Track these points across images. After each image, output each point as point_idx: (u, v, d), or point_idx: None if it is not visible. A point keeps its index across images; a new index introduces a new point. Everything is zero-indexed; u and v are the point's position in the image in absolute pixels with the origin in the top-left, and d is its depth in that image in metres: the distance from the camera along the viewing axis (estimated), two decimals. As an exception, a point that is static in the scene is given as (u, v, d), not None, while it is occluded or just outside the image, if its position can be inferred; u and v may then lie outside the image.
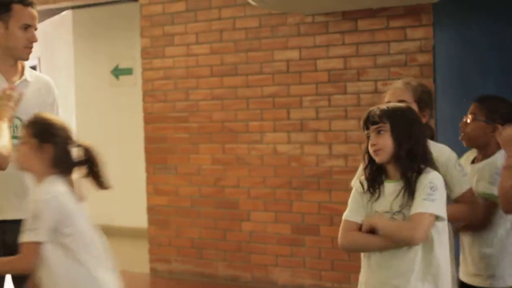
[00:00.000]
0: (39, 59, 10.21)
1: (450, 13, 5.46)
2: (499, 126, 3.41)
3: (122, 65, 9.16)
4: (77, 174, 3.03)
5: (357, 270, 6.31)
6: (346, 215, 3.02)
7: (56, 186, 2.90)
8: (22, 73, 3.56)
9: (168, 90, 6.80)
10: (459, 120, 5.55)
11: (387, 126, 2.90)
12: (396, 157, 2.90)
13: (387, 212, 2.91)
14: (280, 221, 6.25)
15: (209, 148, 6.59)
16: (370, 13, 5.76)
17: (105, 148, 10.86)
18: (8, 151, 3.05)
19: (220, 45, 6.51)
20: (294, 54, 6.14)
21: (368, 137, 2.96)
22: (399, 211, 2.87)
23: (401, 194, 2.88)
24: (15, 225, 3.11)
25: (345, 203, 6.56)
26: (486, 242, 3.43)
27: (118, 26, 9.06)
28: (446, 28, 5.50)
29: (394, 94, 3.42)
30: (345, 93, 5.93)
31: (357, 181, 3.07)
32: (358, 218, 2.97)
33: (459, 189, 3.28)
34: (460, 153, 5.60)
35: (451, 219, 3.06)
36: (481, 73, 5.35)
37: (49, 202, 2.85)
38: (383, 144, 2.90)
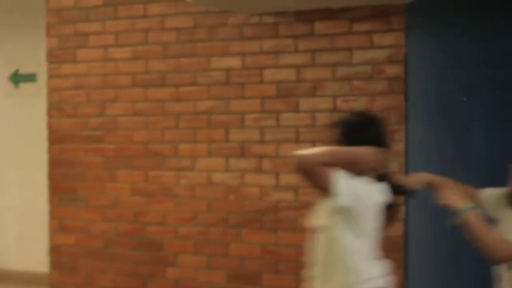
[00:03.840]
0: None
1: (426, 16, 5.52)
2: None
3: (23, 70, 9.09)
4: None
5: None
6: None
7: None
8: None
9: (80, 102, 6.76)
10: (432, 146, 5.60)
11: None
12: None
13: None
14: (214, 267, 6.24)
15: (128, 175, 6.56)
16: (329, 15, 5.80)
17: None
18: None
19: (145, 48, 6.50)
20: (235, 62, 6.16)
21: None
22: None
23: None
24: None
25: (293, 245, 6.54)
26: None
27: (19, 22, 8.90)
28: (420, 33, 5.55)
29: None
30: (297, 111, 5.94)
31: None
32: None
33: None
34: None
35: None
36: (463, 89, 5.40)
37: None
38: None
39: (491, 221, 3.80)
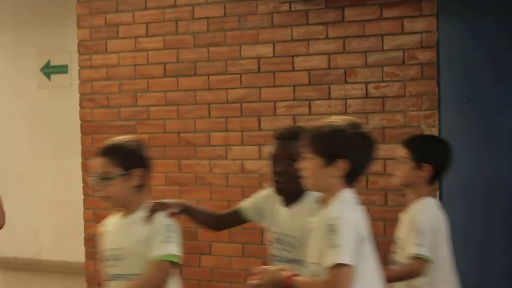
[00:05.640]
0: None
1: (458, 1, 5.48)
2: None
3: (55, 62, 9.10)
4: None
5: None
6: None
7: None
8: None
9: (112, 93, 6.80)
10: (465, 129, 5.60)
11: None
12: None
13: None
14: (249, 255, 6.26)
15: (162, 164, 6.53)
16: (359, 0, 5.79)
17: (33, 164, 10.65)
18: None
19: (175, 38, 6.51)
20: (266, 50, 6.16)
21: None
22: None
23: None
24: None
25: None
26: None
27: (50, 13, 8.96)
28: (452, 18, 5.52)
29: None
30: (329, 98, 5.93)
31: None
32: None
33: None
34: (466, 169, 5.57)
35: None
36: (495, 74, 5.37)
37: None
38: None
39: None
